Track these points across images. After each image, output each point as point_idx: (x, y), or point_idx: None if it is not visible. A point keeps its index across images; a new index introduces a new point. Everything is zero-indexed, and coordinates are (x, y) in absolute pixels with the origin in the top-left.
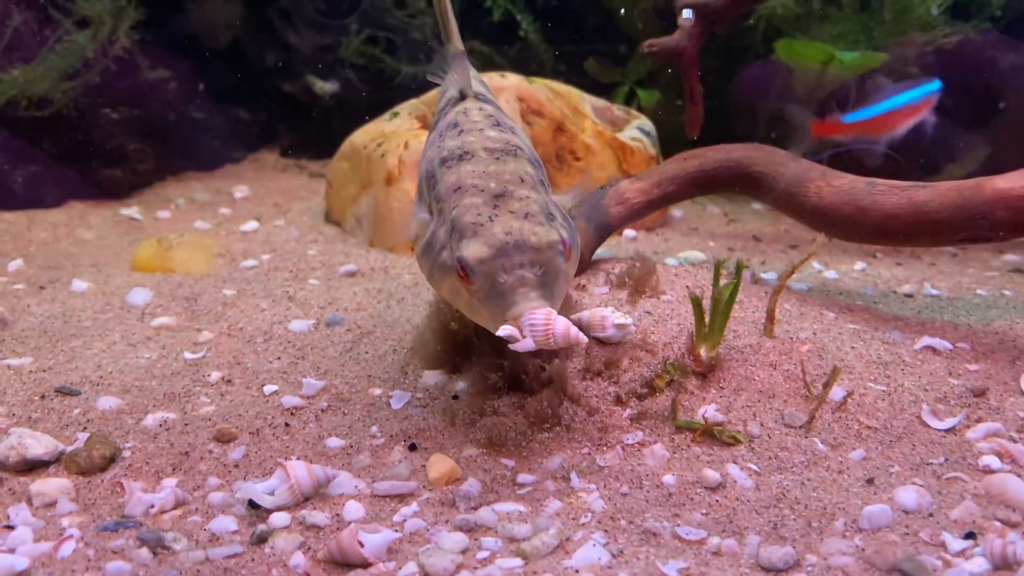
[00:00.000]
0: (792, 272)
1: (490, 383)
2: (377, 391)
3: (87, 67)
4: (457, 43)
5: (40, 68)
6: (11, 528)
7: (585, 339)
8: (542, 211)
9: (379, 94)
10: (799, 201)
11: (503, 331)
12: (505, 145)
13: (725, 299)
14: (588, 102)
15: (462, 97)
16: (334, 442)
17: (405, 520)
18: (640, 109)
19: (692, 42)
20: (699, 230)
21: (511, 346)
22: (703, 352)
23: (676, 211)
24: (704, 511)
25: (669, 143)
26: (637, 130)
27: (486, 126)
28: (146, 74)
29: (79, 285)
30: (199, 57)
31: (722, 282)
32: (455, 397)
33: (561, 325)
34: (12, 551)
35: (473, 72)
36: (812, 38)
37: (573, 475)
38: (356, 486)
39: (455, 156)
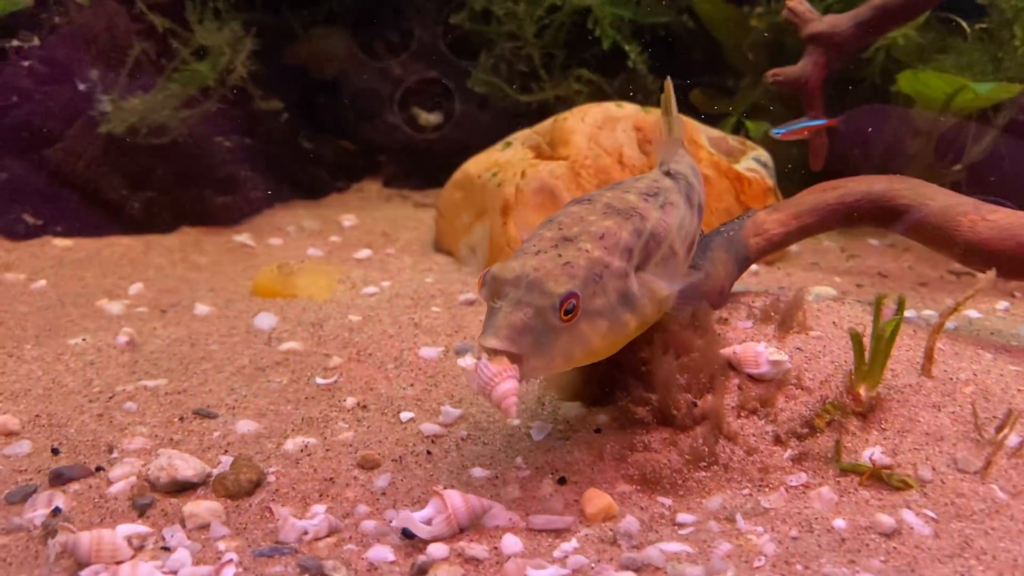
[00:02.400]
0: (955, 310)
1: (637, 417)
2: (515, 421)
3: (204, 95)
4: (677, 131)
5: (159, 96)
6: (168, 550)
7: (512, 415)
8: (587, 268)
9: (482, 126)
10: (949, 236)
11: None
12: (628, 207)
13: (887, 336)
14: (704, 132)
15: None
16: (479, 472)
17: (567, 556)
18: (748, 140)
19: (816, 72)
20: (819, 265)
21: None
22: (863, 391)
23: (793, 246)
24: (882, 558)
25: (780, 174)
26: (754, 161)
27: (637, 192)
28: (258, 104)
29: (201, 309)
30: (307, 87)
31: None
32: (597, 431)
33: (501, 389)
34: (174, 573)
35: (688, 161)
36: (935, 69)
37: (738, 516)
38: (510, 518)
39: (582, 198)
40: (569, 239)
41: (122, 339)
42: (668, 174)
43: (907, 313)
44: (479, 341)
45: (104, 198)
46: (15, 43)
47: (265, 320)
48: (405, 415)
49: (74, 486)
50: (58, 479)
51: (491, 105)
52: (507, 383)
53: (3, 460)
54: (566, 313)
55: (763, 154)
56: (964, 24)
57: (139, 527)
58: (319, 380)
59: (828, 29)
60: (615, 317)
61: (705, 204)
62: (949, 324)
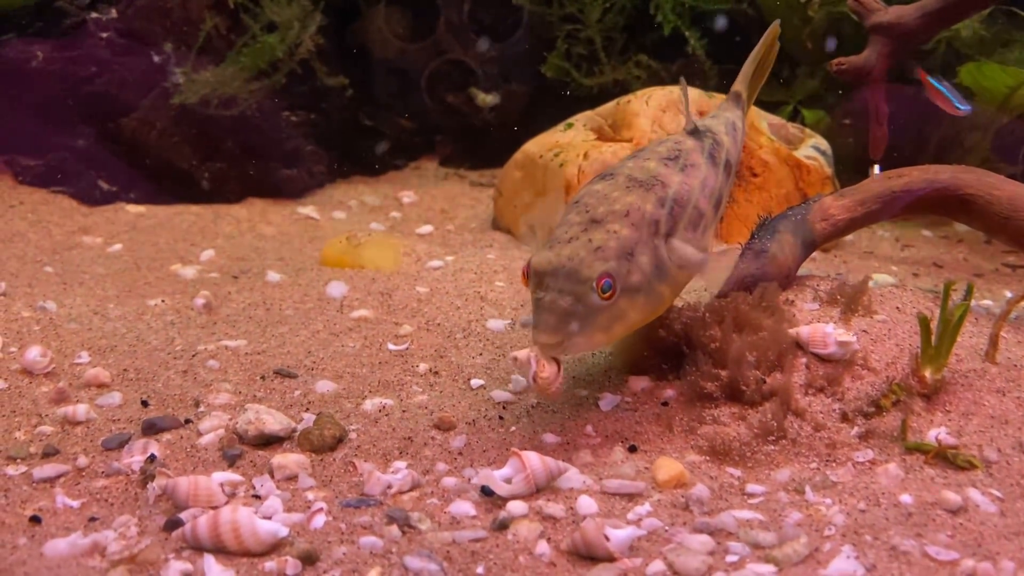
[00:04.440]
0: (1022, 298)
1: (706, 392)
2: (583, 392)
3: (273, 69)
4: (737, 83)
5: (230, 69)
6: (259, 498)
7: (558, 399)
8: (619, 248)
9: (538, 106)
10: (1018, 226)
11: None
12: (648, 177)
13: (955, 320)
14: (764, 119)
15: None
16: (550, 437)
17: (641, 519)
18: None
19: (881, 61)
20: (875, 254)
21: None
22: (928, 374)
23: (848, 236)
24: (949, 533)
25: (836, 163)
26: (813, 148)
27: (654, 156)
28: (324, 80)
29: (273, 276)
30: (369, 65)
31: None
32: (665, 404)
33: (545, 377)
34: (268, 518)
35: (732, 114)
36: (998, 62)
37: (807, 488)
38: (584, 481)
39: (603, 173)
40: (597, 221)
41: (199, 301)
42: (694, 132)
43: None
44: (533, 335)
45: (175, 167)
46: (94, 15)
47: (336, 288)
48: (475, 382)
49: (166, 436)
50: (151, 429)
51: (549, 88)
52: (549, 370)
53: (97, 410)
54: (603, 292)
55: (822, 142)
56: None
57: (231, 475)
58: (391, 346)
59: (894, 19)
60: (651, 290)
61: (741, 160)
62: (1012, 315)
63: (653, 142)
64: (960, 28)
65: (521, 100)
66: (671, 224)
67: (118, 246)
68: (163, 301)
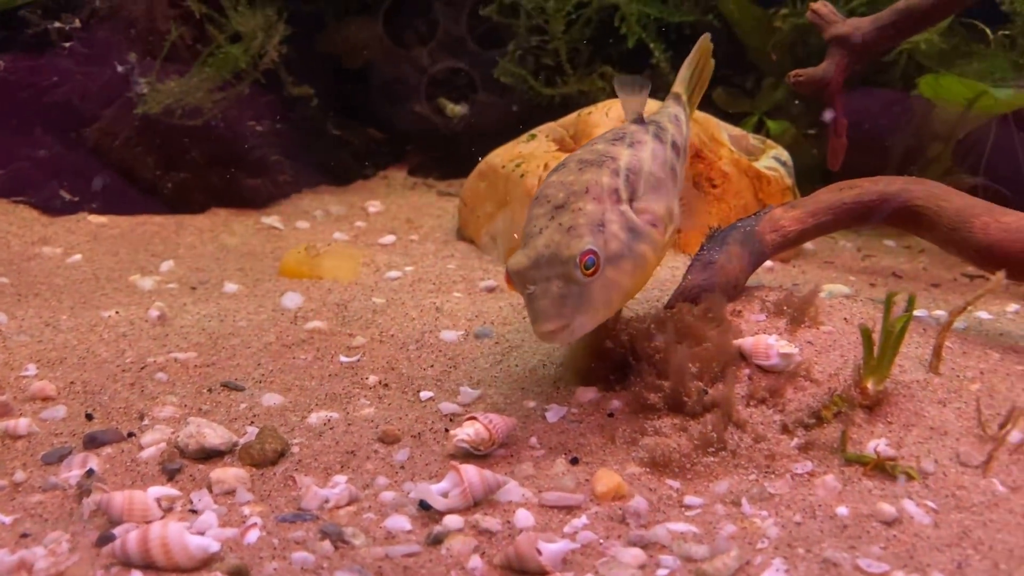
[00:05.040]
0: (965, 308)
1: (649, 403)
2: (531, 403)
3: (237, 79)
4: (676, 86)
5: (194, 79)
6: (196, 512)
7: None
8: (589, 223)
9: (507, 118)
10: (963, 238)
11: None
12: (597, 156)
13: (897, 332)
14: (725, 130)
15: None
16: (496, 451)
17: (576, 532)
18: (769, 139)
19: (838, 74)
20: (834, 264)
21: None
22: (871, 385)
23: (808, 244)
24: (882, 545)
25: (799, 174)
26: (773, 159)
27: (602, 139)
28: (290, 90)
29: (230, 287)
30: (337, 75)
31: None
32: (610, 415)
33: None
34: (201, 533)
35: (675, 109)
36: (957, 74)
37: (744, 500)
38: (523, 494)
39: (556, 166)
40: (560, 206)
41: (154, 313)
42: (636, 120)
43: (919, 313)
44: (535, 331)
45: (138, 177)
46: (57, 25)
47: (292, 299)
48: (425, 394)
49: (107, 450)
50: (92, 443)
51: (516, 98)
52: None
53: (40, 423)
54: (587, 268)
55: (782, 153)
56: (987, 30)
57: (168, 490)
58: (343, 358)
59: (850, 32)
60: (633, 252)
61: (689, 148)
62: (959, 324)
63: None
64: (919, 40)
65: (490, 110)
66: (631, 191)
67: (77, 256)
68: (117, 313)
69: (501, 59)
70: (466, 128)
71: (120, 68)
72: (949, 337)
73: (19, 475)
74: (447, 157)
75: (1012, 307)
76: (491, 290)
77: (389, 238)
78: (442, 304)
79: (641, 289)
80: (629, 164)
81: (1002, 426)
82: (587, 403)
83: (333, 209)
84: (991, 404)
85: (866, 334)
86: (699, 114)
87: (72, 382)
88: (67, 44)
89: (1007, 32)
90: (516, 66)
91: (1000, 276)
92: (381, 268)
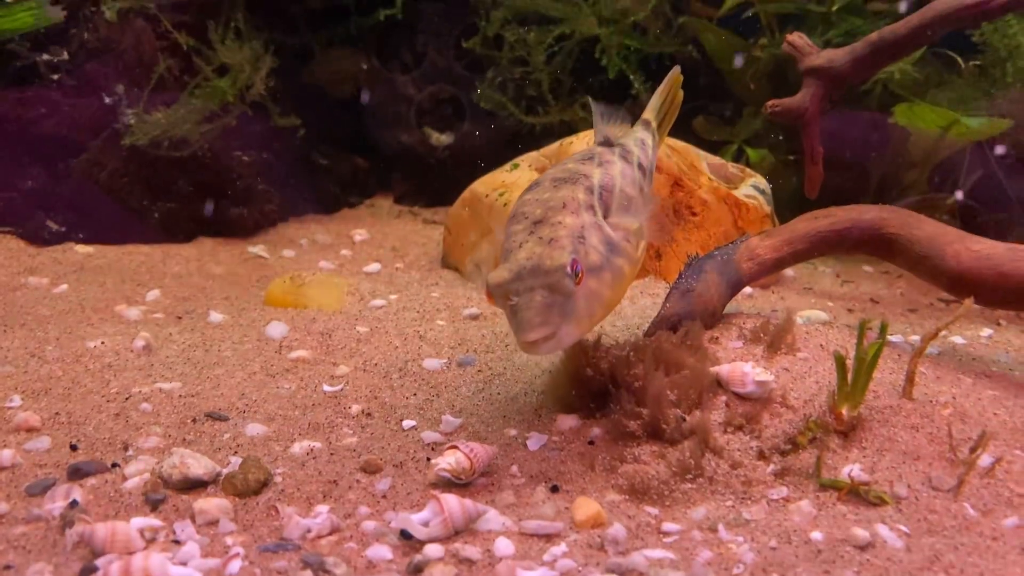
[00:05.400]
0: (936, 334)
1: (628, 431)
2: (513, 432)
3: (224, 111)
4: (646, 113)
5: (181, 111)
6: (179, 543)
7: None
8: (570, 235)
9: (491, 147)
10: (935, 265)
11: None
12: (571, 174)
13: (869, 359)
14: (704, 159)
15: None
16: (476, 480)
17: (556, 560)
18: (748, 167)
19: (814, 104)
20: (814, 290)
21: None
22: (845, 411)
23: (788, 271)
24: (855, 569)
25: (778, 202)
26: (752, 188)
27: (572, 159)
28: (276, 120)
29: (216, 317)
30: (323, 105)
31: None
32: (591, 443)
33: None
34: (184, 564)
35: (642, 134)
36: (930, 103)
37: (720, 526)
38: (503, 523)
39: (529, 187)
40: (539, 221)
41: (139, 343)
42: (603, 143)
43: (895, 338)
44: (519, 341)
45: (125, 207)
46: (45, 57)
47: (276, 329)
48: (407, 423)
49: (91, 481)
50: (76, 474)
51: (500, 127)
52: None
53: (24, 455)
54: (574, 277)
55: (761, 181)
56: (959, 60)
57: (151, 520)
58: (326, 388)
59: (825, 63)
60: (612, 265)
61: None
62: (933, 350)
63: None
64: (894, 70)
65: (475, 139)
66: (604, 208)
67: (64, 287)
68: (103, 343)
69: (480, 85)
70: (451, 157)
71: (108, 99)
72: (923, 362)
73: (2, 506)
74: (433, 185)
75: (985, 332)
76: (474, 317)
77: (374, 266)
78: (425, 332)
79: (619, 303)
80: (602, 182)
81: (973, 450)
82: (568, 431)
83: (319, 238)
84: (962, 429)
85: (840, 361)
86: (678, 143)
87: (57, 413)
88: (55, 76)
89: (978, 62)
90: (495, 92)
91: (968, 303)
92: (366, 297)
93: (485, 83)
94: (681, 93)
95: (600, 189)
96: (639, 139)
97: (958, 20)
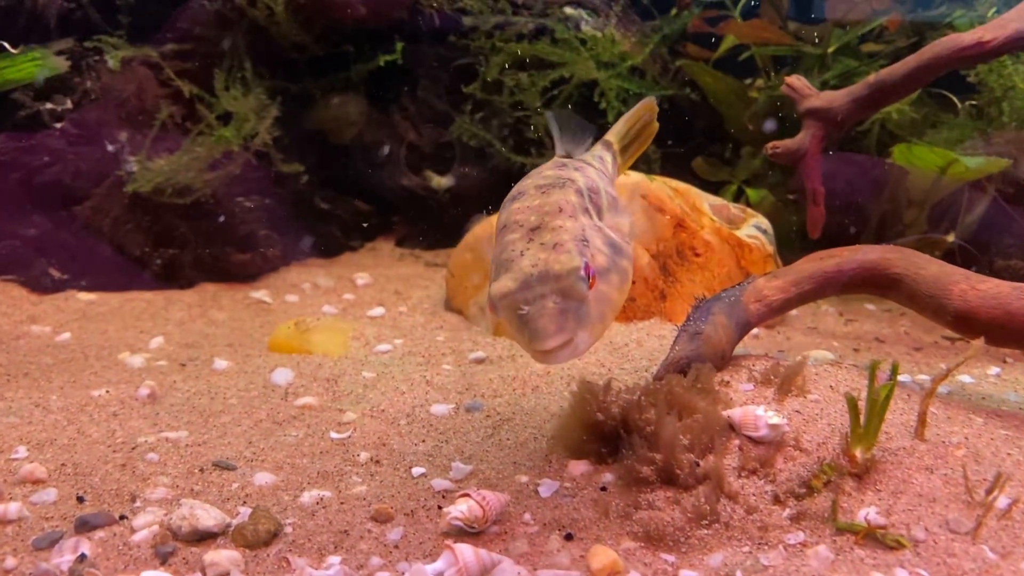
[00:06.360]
0: (947, 375)
1: (641, 476)
2: (524, 478)
3: (228, 159)
4: (608, 135)
5: (184, 158)
6: None
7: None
8: (573, 238)
9: (491, 189)
10: (941, 304)
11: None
12: (555, 180)
13: (881, 400)
14: (706, 200)
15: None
16: (488, 527)
17: None
18: (749, 207)
19: (814, 144)
20: (818, 329)
21: None
22: (859, 453)
23: (792, 311)
24: None
25: (779, 240)
26: (754, 228)
27: (548, 168)
28: (279, 166)
29: (220, 363)
30: (325, 150)
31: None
32: (603, 489)
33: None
34: None
35: (601, 152)
36: (928, 143)
37: (738, 573)
38: (519, 572)
39: (511, 198)
40: (537, 228)
41: (143, 391)
42: (564, 156)
43: (902, 378)
44: (532, 350)
45: (128, 254)
46: (49, 106)
47: (282, 375)
48: (417, 470)
49: (99, 533)
50: (83, 526)
51: (501, 170)
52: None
53: (31, 507)
54: (586, 282)
55: (763, 221)
56: (956, 100)
57: (162, 574)
58: (333, 435)
59: (824, 105)
60: (617, 267)
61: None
62: (942, 389)
63: (533, 171)
64: (891, 111)
65: (475, 182)
66: (596, 210)
67: (67, 335)
68: (107, 392)
69: (459, 119)
70: (452, 199)
71: (111, 147)
72: (933, 403)
73: (10, 561)
74: (434, 228)
75: (993, 370)
76: (480, 361)
77: (378, 310)
78: (432, 377)
79: (622, 306)
80: (587, 184)
81: (989, 492)
82: (580, 476)
83: (321, 282)
84: (977, 470)
85: (852, 403)
86: (680, 185)
87: (63, 464)
88: (59, 124)
89: (974, 102)
90: (470, 123)
91: (979, 343)
92: (371, 341)
93: (464, 117)
94: (656, 125)
95: (588, 191)
96: (597, 156)
97: (954, 62)
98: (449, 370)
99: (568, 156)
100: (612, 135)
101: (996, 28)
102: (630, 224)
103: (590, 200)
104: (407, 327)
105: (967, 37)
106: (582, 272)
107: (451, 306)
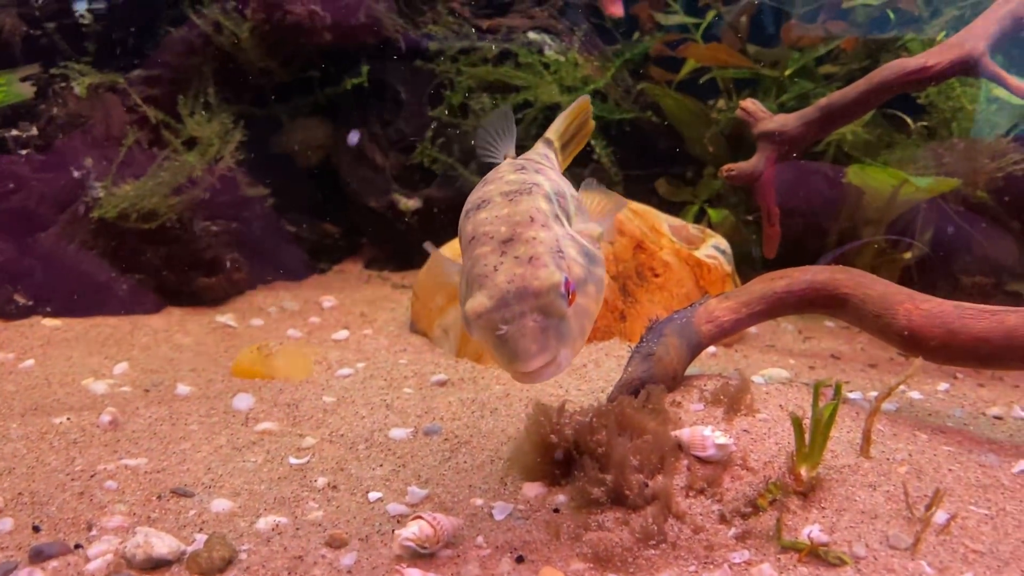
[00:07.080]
0: (889, 394)
1: (592, 497)
2: (479, 501)
3: (192, 184)
4: (548, 132)
5: (150, 183)
6: None
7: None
8: (549, 251)
9: (459, 211)
10: (887, 323)
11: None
12: (521, 185)
13: (825, 420)
14: (665, 221)
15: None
16: (441, 551)
17: None
18: (710, 227)
19: (768, 166)
20: (776, 347)
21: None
22: (804, 472)
23: (752, 328)
24: None
25: (739, 259)
26: (713, 248)
27: (507, 172)
28: (244, 190)
29: (183, 389)
30: (292, 173)
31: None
32: (556, 510)
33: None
34: None
35: (543, 149)
36: (882, 163)
37: None
38: None
39: (474, 206)
40: (509, 240)
41: (105, 418)
42: (523, 159)
43: (854, 395)
44: (514, 372)
45: (93, 280)
46: (14, 133)
47: (243, 401)
48: (373, 495)
49: (53, 563)
50: (38, 556)
51: (468, 192)
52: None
53: None
54: (565, 297)
55: (722, 242)
56: (909, 120)
57: None
58: (292, 460)
59: (778, 128)
60: (593, 276)
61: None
62: (891, 406)
63: (488, 175)
64: (845, 132)
65: (443, 204)
66: (566, 215)
67: (30, 362)
68: (68, 419)
69: (422, 144)
70: (420, 221)
71: (76, 173)
72: (881, 419)
73: None
74: (402, 250)
75: (942, 386)
76: (442, 384)
77: (343, 333)
78: (392, 401)
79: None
80: (554, 188)
81: (928, 508)
82: (534, 499)
83: (288, 305)
84: (919, 486)
85: (796, 423)
86: (640, 206)
87: (20, 493)
88: (24, 151)
89: (926, 123)
90: (430, 147)
91: (918, 362)
92: (333, 365)
93: (423, 142)
94: (592, 123)
95: (555, 196)
96: (543, 154)
97: (902, 85)
98: (410, 393)
99: (513, 158)
100: (552, 133)
101: (940, 53)
102: (601, 230)
103: (558, 205)
104: (371, 350)
105: (912, 62)
106: (562, 288)
107: (416, 328)
